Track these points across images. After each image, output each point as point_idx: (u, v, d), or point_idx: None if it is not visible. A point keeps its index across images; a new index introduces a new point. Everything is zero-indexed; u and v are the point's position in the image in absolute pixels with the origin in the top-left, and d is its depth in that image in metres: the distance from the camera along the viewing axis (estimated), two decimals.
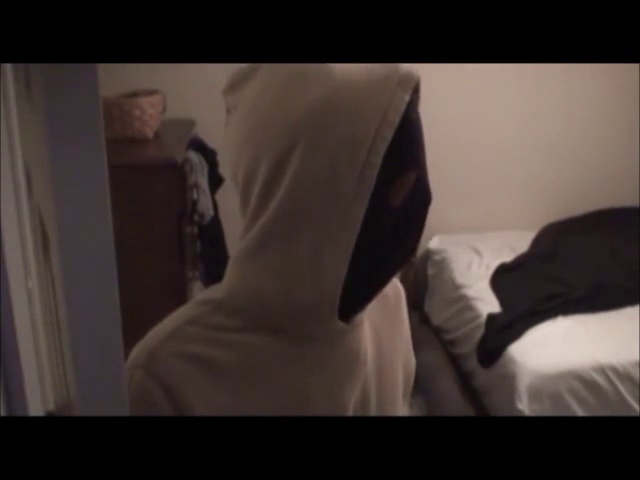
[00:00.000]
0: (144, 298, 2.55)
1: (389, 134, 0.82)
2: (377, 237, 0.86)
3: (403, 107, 0.83)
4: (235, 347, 0.91)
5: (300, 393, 0.93)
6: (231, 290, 0.92)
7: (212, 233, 3.04)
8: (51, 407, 1.17)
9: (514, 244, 3.55)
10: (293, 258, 0.85)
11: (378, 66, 0.85)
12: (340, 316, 0.88)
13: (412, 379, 1.14)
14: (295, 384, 0.92)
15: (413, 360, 1.13)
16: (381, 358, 1.01)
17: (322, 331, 0.90)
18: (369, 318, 0.98)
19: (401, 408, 1.08)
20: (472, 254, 3.47)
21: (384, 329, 1.03)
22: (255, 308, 0.90)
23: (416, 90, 0.88)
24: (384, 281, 0.90)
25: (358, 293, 0.88)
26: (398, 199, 0.87)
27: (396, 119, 0.83)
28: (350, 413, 0.96)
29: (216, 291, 0.96)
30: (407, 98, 0.84)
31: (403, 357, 1.08)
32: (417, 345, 1.17)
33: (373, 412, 0.99)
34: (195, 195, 2.79)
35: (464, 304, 3.14)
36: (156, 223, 2.54)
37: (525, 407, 2.54)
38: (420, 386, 2.81)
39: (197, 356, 0.89)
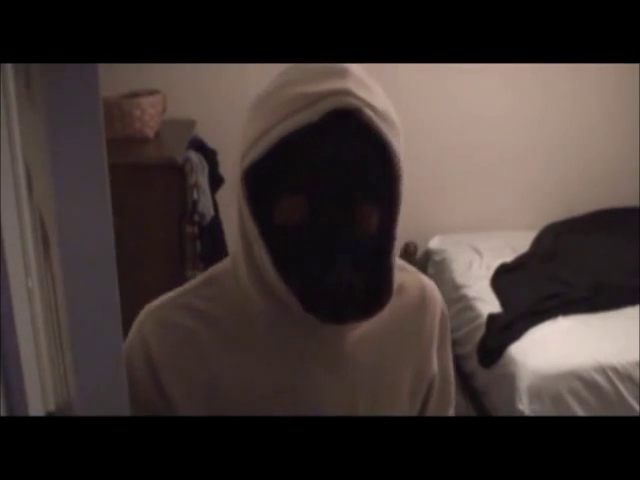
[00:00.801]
0: (144, 298, 2.54)
1: (255, 152, 0.85)
2: (288, 246, 0.88)
3: (288, 128, 0.83)
4: (216, 325, 0.97)
5: (271, 383, 0.96)
6: (226, 265, 1.00)
7: (212, 233, 3.04)
8: (51, 407, 1.17)
9: (515, 244, 3.55)
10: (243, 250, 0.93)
11: (321, 85, 0.85)
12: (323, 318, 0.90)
13: (435, 384, 1.11)
14: (266, 367, 0.96)
15: (432, 366, 1.10)
16: (382, 364, 1.01)
17: (292, 319, 0.93)
18: (376, 323, 0.98)
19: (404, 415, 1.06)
20: (472, 254, 3.47)
21: (394, 333, 1.02)
22: (239, 286, 0.96)
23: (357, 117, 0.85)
24: (340, 296, 0.88)
25: (318, 299, 0.89)
26: (290, 216, 0.86)
27: (260, 146, 0.84)
28: (328, 412, 0.97)
29: (223, 263, 1.03)
30: (305, 120, 0.83)
31: (415, 362, 1.06)
32: None
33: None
34: (195, 195, 2.79)
35: (464, 304, 3.14)
36: (156, 223, 2.54)
37: (525, 407, 2.54)
38: None
39: (179, 326, 0.97)
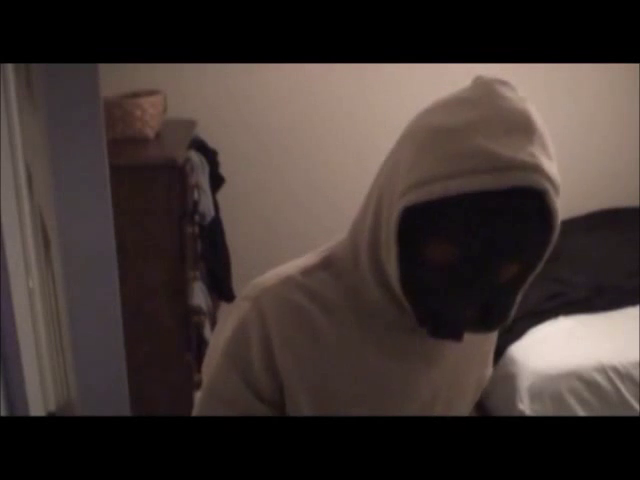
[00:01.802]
0: (145, 298, 2.55)
1: (422, 193, 0.83)
2: (424, 278, 0.89)
3: (466, 188, 0.81)
4: (332, 310, 0.98)
5: (378, 371, 0.99)
6: (344, 251, 0.99)
7: (213, 233, 3.04)
8: (52, 407, 1.17)
9: None
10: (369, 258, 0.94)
11: (512, 148, 0.82)
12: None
13: (481, 389, 1.18)
14: (375, 362, 0.98)
15: (488, 372, 1.17)
16: (460, 365, 1.07)
17: (404, 326, 0.97)
18: None
19: (467, 414, 1.14)
20: None
21: (470, 341, 1.06)
22: (357, 275, 0.97)
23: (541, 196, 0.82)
24: (453, 322, 0.91)
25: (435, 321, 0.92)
26: (436, 257, 0.87)
27: (435, 190, 0.82)
28: (414, 401, 1.02)
29: (337, 245, 1.02)
30: (488, 186, 0.81)
31: (479, 368, 1.13)
32: None
33: (439, 414, 1.06)
34: (196, 195, 2.79)
35: None
36: (157, 223, 2.53)
37: (526, 407, 2.54)
38: None
39: (298, 307, 0.97)
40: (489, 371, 1.17)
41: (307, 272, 1.00)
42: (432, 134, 0.86)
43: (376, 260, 0.93)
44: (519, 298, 0.93)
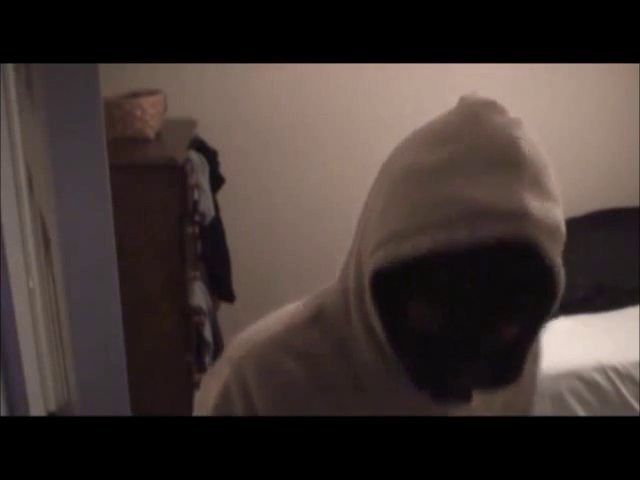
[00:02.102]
0: (145, 298, 2.55)
1: (395, 250, 0.73)
2: (412, 342, 0.79)
3: (443, 242, 0.70)
4: (321, 373, 0.89)
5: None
6: (336, 298, 0.90)
7: (213, 233, 3.04)
8: (53, 407, 1.17)
9: None
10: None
11: (503, 200, 0.70)
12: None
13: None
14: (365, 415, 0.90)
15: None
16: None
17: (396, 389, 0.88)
18: None
19: None
20: None
21: (493, 401, 0.96)
22: (348, 328, 0.87)
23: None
24: (459, 389, 0.82)
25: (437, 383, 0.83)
26: (420, 320, 0.77)
27: (403, 249, 0.72)
28: None
29: (330, 291, 0.92)
30: (466, 240, 0.69)
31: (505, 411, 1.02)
32: None
33: None
34: (196, 195, 2.79)
35: None
36: (157, 223, 2.54)
37: None
38: None
39: (283, 371, 0.88)
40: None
41: (295, 329, 0.90)
42: (403, 175, 0.75)
43: (364, 312, 0.82)
44: (530, 349, 0.82)
